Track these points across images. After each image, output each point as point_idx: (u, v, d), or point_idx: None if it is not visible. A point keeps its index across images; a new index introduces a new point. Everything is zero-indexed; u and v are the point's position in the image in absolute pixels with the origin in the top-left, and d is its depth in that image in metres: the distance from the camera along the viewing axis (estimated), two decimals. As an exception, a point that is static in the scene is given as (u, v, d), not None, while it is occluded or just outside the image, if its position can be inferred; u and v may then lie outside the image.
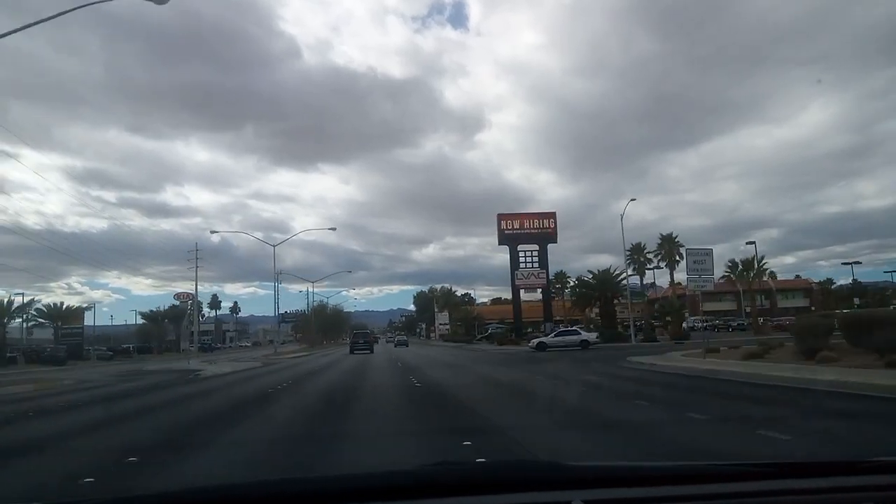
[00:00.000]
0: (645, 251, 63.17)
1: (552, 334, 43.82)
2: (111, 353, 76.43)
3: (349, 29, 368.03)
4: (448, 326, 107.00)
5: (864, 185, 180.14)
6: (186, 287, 75.17)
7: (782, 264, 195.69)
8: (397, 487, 1.86)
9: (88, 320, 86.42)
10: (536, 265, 63.18)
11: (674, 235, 57.61)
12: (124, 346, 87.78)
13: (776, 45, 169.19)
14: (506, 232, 63.59)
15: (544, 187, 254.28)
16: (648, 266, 62.04)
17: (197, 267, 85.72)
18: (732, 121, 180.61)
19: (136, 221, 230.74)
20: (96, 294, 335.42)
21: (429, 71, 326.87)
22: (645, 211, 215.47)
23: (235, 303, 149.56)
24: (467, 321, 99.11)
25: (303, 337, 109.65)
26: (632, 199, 45.37)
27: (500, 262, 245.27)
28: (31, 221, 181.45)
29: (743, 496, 1.82)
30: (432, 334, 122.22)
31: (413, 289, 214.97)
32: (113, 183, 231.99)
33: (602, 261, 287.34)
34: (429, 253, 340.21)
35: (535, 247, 63.54)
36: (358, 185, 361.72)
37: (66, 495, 5.51)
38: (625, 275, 51.86)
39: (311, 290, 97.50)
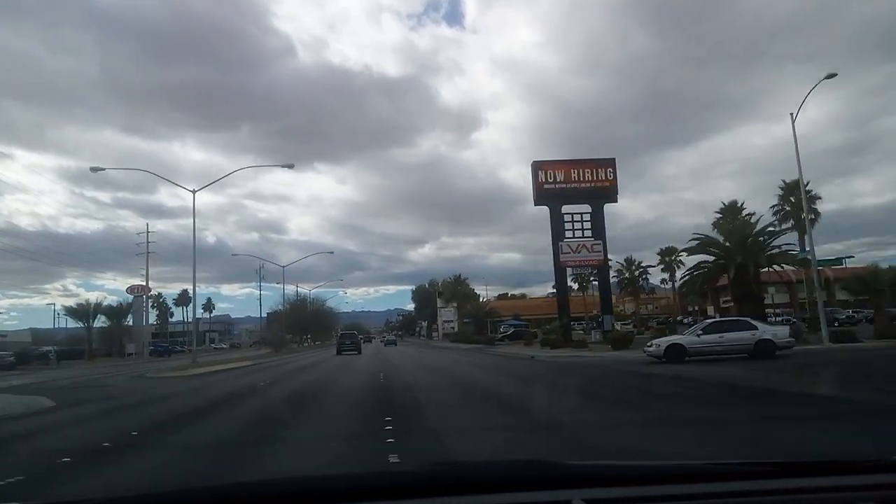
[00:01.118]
0: (744, 212, 44.83)
1: (694, 330, 23.04)
2: (13, 359, 57.51)
3: (344, 27, 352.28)
4: (454, 324, 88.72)
5: (861, 182, 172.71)
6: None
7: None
8: (397, 486, 1.82)
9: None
10: (589, 234, 44.29)
11: (805, 183, 38.48)
12: (45, 348, 68.80)
13: (773, 42, 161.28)
14: (545, 186, 44.40)
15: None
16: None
17: (148, 253, 67.50)
18: (730, 118, 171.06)
19: (130, 222, 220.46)
20: (92, 295, 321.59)
21: (424, 69, 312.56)
22: (642, 209, 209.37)
23: (209, 299, 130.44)
24: (479, 317, 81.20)
25: (264, 338, 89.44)
26: (830, 75, 25.68)
27: (497, 261, 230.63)
28: (25, 223, 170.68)
29: (743, 495, 1.77)
30: (434, 333, 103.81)
31: (410, 288, 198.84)
32: (108, 184, 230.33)
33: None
34: (425, 253, 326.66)
35: (587, 207, 44.39)
36: (354, 185, 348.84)
37: (66, 495, 5.15)
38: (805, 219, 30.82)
39: (285, 282, 78.91)
